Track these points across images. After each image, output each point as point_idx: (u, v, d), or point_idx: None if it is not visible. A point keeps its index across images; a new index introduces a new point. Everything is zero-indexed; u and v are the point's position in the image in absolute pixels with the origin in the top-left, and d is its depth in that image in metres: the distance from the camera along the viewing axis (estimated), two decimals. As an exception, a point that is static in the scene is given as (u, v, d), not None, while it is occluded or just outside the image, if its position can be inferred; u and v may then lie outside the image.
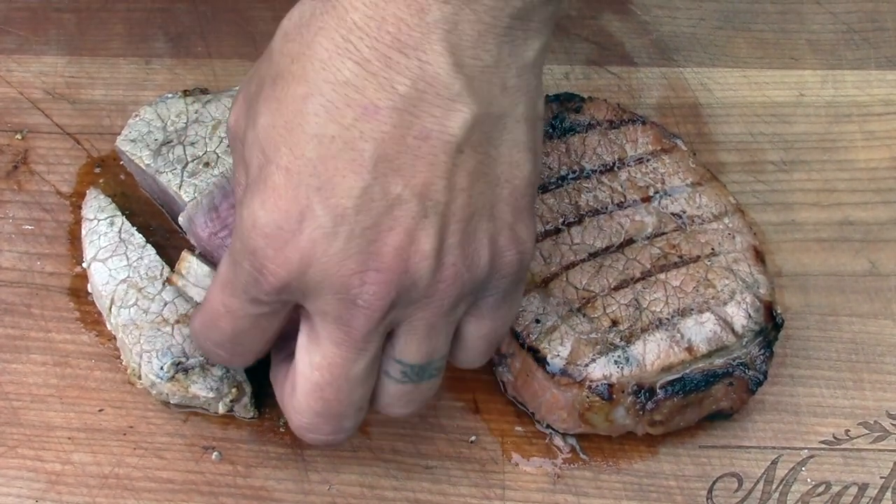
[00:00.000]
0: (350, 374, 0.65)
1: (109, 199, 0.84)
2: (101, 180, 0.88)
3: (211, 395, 0.77)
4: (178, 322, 0.79)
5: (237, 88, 0.86)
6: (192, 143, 0.83)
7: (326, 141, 0.61)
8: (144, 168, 0.83)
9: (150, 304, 0.79)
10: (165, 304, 0.79)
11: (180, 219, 0.81)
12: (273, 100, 0.62)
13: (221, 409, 0.78)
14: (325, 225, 0.61)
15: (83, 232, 0.83)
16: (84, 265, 0.82)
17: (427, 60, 0.60)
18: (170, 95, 0.86)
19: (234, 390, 0.78)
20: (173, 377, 0.77)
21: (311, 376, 0.66)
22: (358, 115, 0.60)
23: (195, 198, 0.81)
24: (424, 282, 0.63)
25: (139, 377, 0.78)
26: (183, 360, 0.77)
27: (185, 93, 0.86)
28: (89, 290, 0.83)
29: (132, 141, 0.84)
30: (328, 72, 0.61)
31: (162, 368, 0.77)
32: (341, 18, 0.61)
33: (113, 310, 0.79)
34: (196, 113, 0.84)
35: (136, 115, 0.85)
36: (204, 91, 0.87)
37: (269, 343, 0.69)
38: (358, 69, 0.60)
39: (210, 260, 0.79)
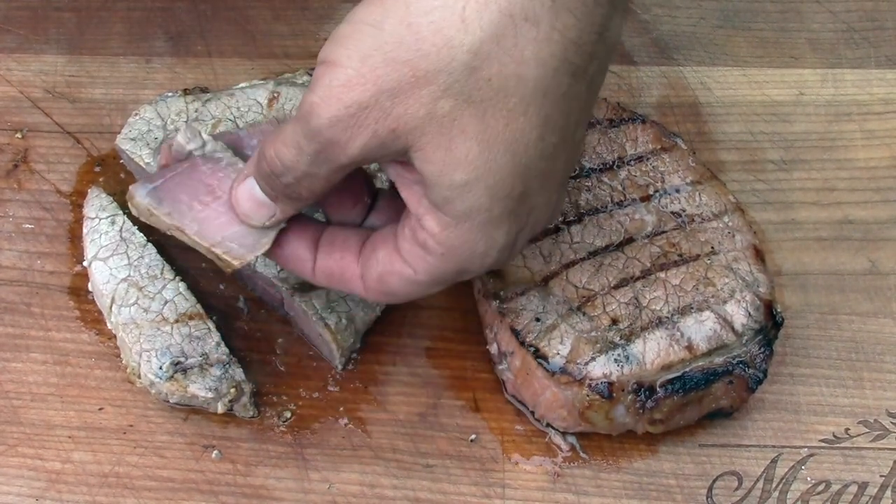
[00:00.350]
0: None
1: (111, 198, 0.84)
2: (101, 179, 0.88)
3: (210, 394, 0.77)
4: (177, 321, 0.79)
5: (237, 87, 0.86)
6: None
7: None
8: (144, 167, 0.83)
9: (151, 303, 0.79)
10: (166, 302, 0.79)
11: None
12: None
13: (220, 408, 0.78)
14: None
15: (84, 230, 0.83)
16: (85, 264, 0.82)
17: None
18: (170, 94, 0.86)
19: (232, 390, 0.78)
20: (172, 377, 0.77)
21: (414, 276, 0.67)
22: None
23: (150, 164, 0.80)
24: None
25: (138, 376, 0.78)
26: (182, 359, 0.77)
27: (186, 91, 0.86)
28: (90, 288, 0.83)
29: (132, 139, 0.84)
30: None
31: (161, 368, 0.77)
32: None
33: (113, 308, 0.79)
34: (196, 112, 0.84)
35: (136, 114, 0.85)
36: (204, 90, 0.87)
37: None
38: None
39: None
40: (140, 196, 0.71)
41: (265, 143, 0.67)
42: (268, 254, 0.71)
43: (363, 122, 0.61)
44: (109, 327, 0.81)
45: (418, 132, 0.61)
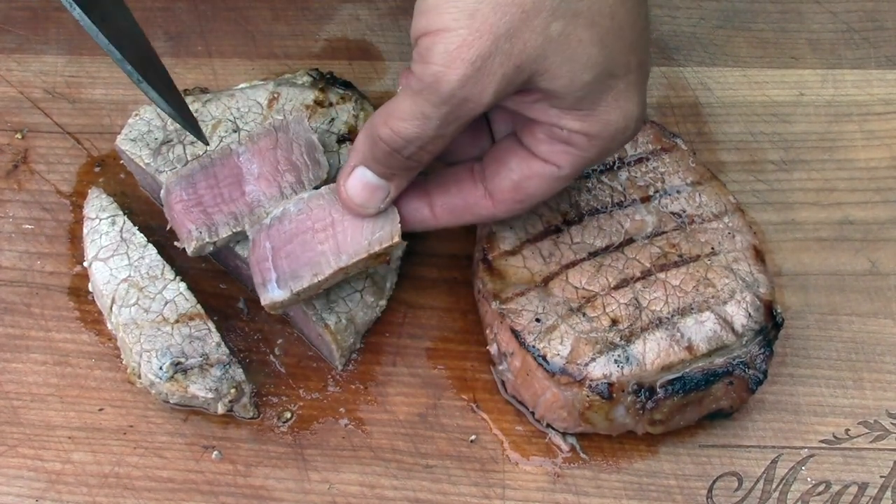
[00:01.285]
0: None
1: (111, 199, 0.83)
2: (100, 179, 0.88)
3: (210, 395, 0.77)
4: (178, 322, 0.79)
5: (237, 87, 0.86)
6: (192, 143, 0.83)
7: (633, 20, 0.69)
8: (144, 167, 0.83)
9: (151, 304, 0.79)
10: (166, 303, 0.79)
11: (162, 192, 0.81)
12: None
13: (220, 409, 0.78)
14: (646, 70, 0.72)
15: (84, 231, 0.83)
16: (85, 264, 0.82)
17: None
18: None
19: (233, 390, 0.78)
20: (172, 377, 0.77)
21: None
22: None
23: (176, 168, 0.81)
24: None
25: (139, 376, 0.78)
26: (182, 360, 0.77)
27: (186, 92, 0.86)
28: (90, 289, 0.83)
29: (132, 140, 0.84)
30: None
31: (161, 368, 0.77)
32: None
33: (114, 309, 0.79)
34: (197, 112, 0.84)
35: (136, 115, 0.85)
36: (204, 90, 0.87)
37: None
38: None
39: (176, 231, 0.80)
40: (273, 296, 0.76)
41: (373, 127, 0.71)
42: None
43: (491, 70, 0.66)
44: (110, 328, 0.81)
45: (540, 59, 0.66)
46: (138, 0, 0.96)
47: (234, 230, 0.79)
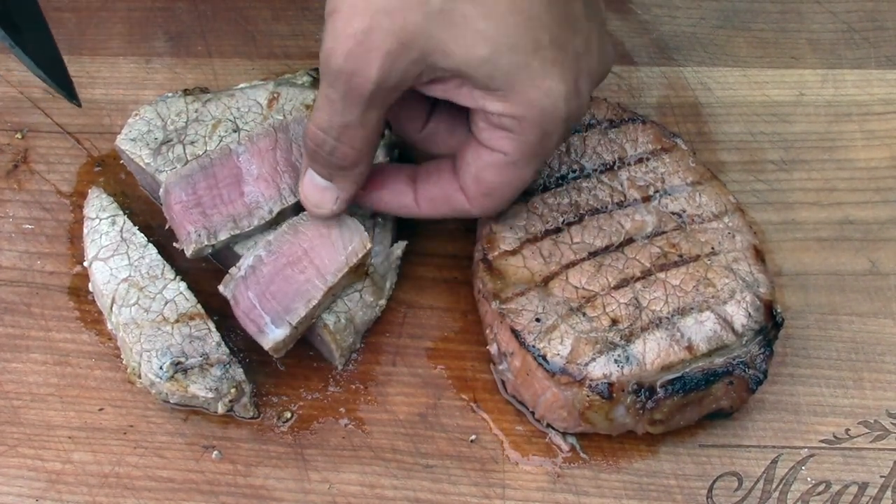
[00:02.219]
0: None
1: (111, 199, 0.83)
2: (100, 179, 0.88)
3: (210, 394, 0.77)
4: (178, 321, 0.79)
5: (238, 87, 0.86)
6: (192, 142, 0.83)
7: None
8: (144, 167, 0.83)
9: (151, 304, 0.79)
10: (166, 302, 0.79)
11: (161, 192, 0.81)
12: None
13: (221, 408, 0.78)
14: (585, 49, 0.71)
15: (85, 231, 0.83)
16: (85, 264, 0.82)
17: None
18: (170, 95, 0.86)
19: (233, 390, 0.78)
20: (172, 377, 0.77)
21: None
22: None
23: (176, 167, 0.81)
24: None
25: (139, 376, 0.78)
26: (182, 359, 0.77)
27: (186, 92, 0.86)
28: (90, 288, 0.83)
29: (132, 140, 0.84)
30: None
31: (161, 368, 0.77)
32: None
33: (114, 308, 0.79)
34: (196, 112, 0.84)
35: (136, 114, 0.85)
36: (204, 90, 0.87)
37: None
38: None
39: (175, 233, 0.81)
40: (275, 336, 0.77)
41: (306, 127, 0.73)
42: (375, 200, 0.78)
43: (373, 45, 0.67)
44: (110, 327, 0.81)
45: (425, 35, 0.67)
46: (138, 0, 0.97)
47: (233, 233, 0.79)
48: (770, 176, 0.91)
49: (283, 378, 0.82)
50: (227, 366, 0.78)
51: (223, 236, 0.79)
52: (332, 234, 0.78)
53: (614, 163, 0.83)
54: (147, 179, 0.85)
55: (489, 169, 0.73)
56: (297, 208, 0.80)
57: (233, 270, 0.78)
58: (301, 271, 0.77)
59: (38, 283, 0.84)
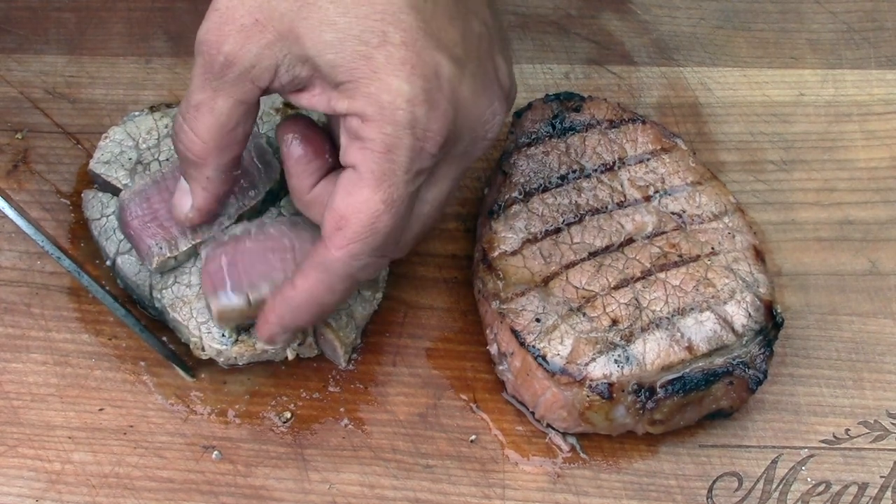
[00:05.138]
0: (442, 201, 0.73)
1: (109, 195, 0.83)
2: (101, 179, 0.88)
3: (278, 345, 0.77)
4: None
5: None
6: (168, 158, 0.83)
7: (420, 4, 0.67)
8: (123, 188, 0.82)
9: (190, 278, 0.79)
10: None
11: (116, 211, 0.81)
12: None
13: (290, 354, 0.79)
14: (455, 73, 0.67)
15: (94, 233, 0.82)
16: (108, 263, 0.82)
17: None
18: (136, 113, 0.85)
19: (299, 334, 0.78)
20: (237, 340, 0.77)
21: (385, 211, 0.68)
22: None
23: (129, 186, 0.81)
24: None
25: (202, 349, 0.78)
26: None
27: (152, 108, 0.86)
28: (118, 284, 0.82)
29: (106, 163, 0.83)
30: None
31: (224, 335, 0.77)
32: None
33: (154, 294, 0.79)
34: (166, 127, 0.84)
35: (106, 137, 0.84)
36: (169, 105, 0.86)
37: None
38: None
39: (134, 248, 0.80)
40: (228, 301, 0.76)
41: None
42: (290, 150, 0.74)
43: (229, 18, 0.68)
44: (153, 315, 0.81)
45: (279, 16, 0.67)
46: (138, 0, 0.96)
47: (194, 241, 0.79)
48: (770, 176, 0.91)
49: (283, 378, 0.82)
50: None
51: (184, 246, 0.79)
52: None
53: (614, 163, 0.83)
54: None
55: (340, 191, 0.68)
56: (262, 210, 0.81)
57: (218, 234, 0.78)
58: (280, 260, 0.77)
59: (38, 283, 0.84)
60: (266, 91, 0.69)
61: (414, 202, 0.70)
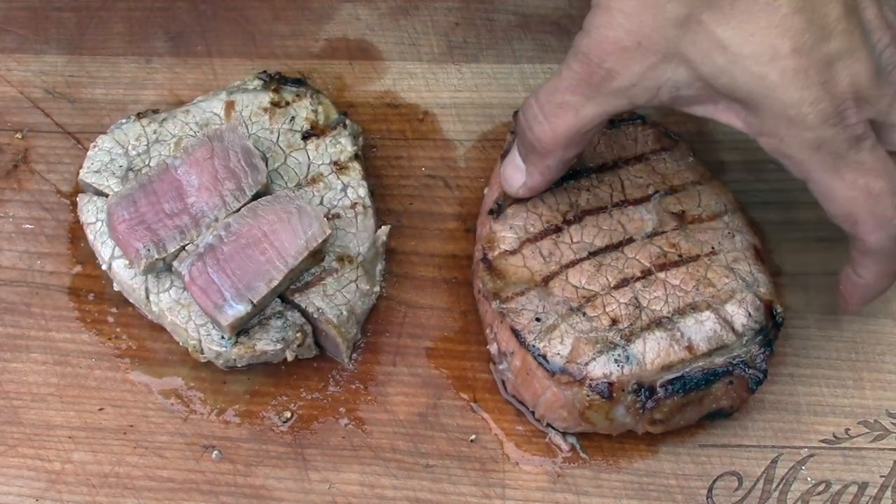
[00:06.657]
0: None
1: (104, 198, 0.83)
2: (101, 179, 0.88)
3: (278, 346, 0.78)
4: None
5: (191, 102, 0.86)
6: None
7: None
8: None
9: None
10: None
11: (104, 216, 0.81)
12: None
13: (290, 356, 0.79)
14: (844, 50, 0.69)
15: (90, 237, 0.82)
16: (104, 267, 0.82)
17: None
18: (124, 121, 0.85)
19: (298, 335, 0.78)
20: (237, 342, 0.77)
21: None
22: None
23: (116, 192, 0.81)
24: None
25: (201, 352, 0.78)
26: None
27: (139, 115, 0.86)
28: (115, 287, 0.82)
29: (96, 172, 0.83)
30: None
31: (223, 337, 0.78)
32: None
33: (151, 298, 0.79)
34: (155, 133, 0.84)
35: (95, 146, 0.84)
36: (156, 111, 0.86)
37: None
38: None
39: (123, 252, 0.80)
40: (235, 312, 0.77)
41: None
42: None
43: (609, 37, 0.70)
44: (150, 318, 0.81)
45: (662, 39, 0.69)
46: (138, 0, 0.97)
47: (182, 243, 0.79)
48: (770, 176, 0.91)
49: (283, 378, 0.82)
50: (283, 313, 0.78)
51: (172, 248, 0.79)
52: (292, 219, 0.79)
53: (614, 162, 0.83)
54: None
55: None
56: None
57: (189, 247, 0.78)
58: (262, 252, 0.77)
59: (38, 283, 0.84)
60: (637, 106, 0.73)
61: (887, 158, 0.72)
